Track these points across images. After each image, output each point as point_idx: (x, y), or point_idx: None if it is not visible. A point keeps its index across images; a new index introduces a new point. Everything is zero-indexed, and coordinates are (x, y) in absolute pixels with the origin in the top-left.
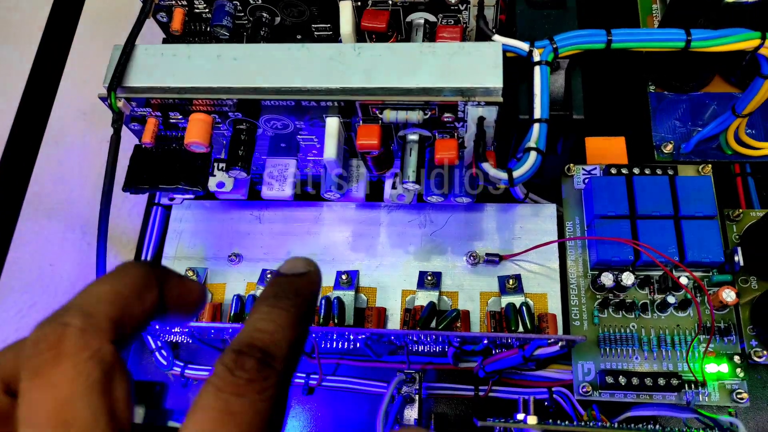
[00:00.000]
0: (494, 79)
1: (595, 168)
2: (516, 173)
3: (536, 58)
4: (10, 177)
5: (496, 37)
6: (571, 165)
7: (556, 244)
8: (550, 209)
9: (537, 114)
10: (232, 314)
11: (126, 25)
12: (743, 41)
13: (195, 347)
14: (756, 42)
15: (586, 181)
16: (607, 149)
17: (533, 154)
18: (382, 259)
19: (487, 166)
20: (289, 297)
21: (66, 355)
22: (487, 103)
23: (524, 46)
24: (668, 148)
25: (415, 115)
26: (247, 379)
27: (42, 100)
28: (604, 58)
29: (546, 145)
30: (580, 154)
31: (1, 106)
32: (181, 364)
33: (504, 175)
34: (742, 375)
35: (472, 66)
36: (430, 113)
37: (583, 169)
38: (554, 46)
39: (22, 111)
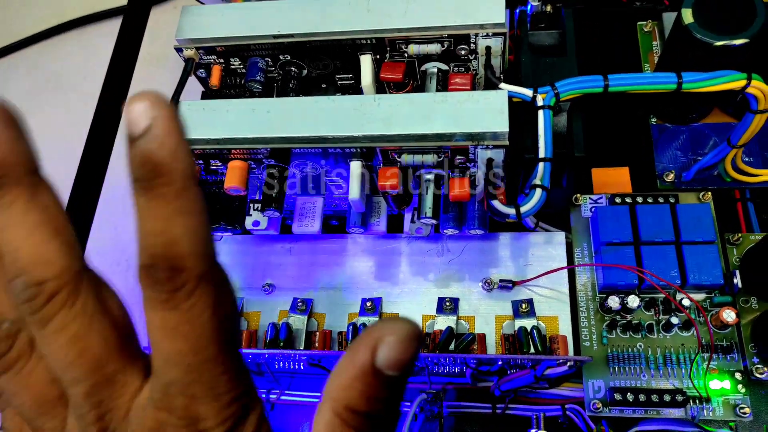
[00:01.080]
0: (501, 125)
1: (601, 197)
2: (523, 209)
3: (539, 103)
4: (75, 217)
5: (502, 84)
6: (578, 195)
7: (566, 270)
8: (560, 237)
9: (541, 153)
10: (267, 340)
11: (169, 71)
12: (731, 82)
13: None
14: (742, 82)
15: (593, 209)
16: (612, 179)
17: (538, 191)
18: (403, 287)
19: (497, 204)
20: (162, 181)
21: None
22: (495, 146)
23: (528, 93)
24: (670, 176)
25: (430, 158)
26: (167, 292)
27: (101, 154)
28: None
29: (550, 181)
30: (587, 184)
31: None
32: None
33: (512, 211)
34: (744, 391)
35: (480, 112)
36: (443, 156)
37: (589, 198)
38: (555, 91)
39: (85, 161)
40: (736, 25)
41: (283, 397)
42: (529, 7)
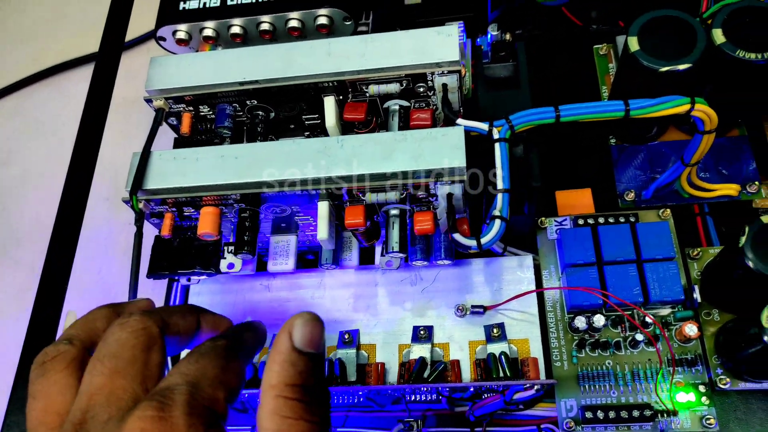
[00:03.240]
0: (458, 160)
1: (566, 219)
2: (483, 240)
3: (495, 135)
4: (56, 257)
5: (459, 120)
6: (543, 218)
7: (534, 293)
8: (528, 260)
9: (499, 185)
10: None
11: (145, 114)
12: (676, 107)
13: None
14: (687, 106)
15: (558, 232)
16: (575, 201)
17: (498, 222)
18: (379, 317)
19: (458, 236)
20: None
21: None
22: (453, 181)
23: (484, 127)
24: (630, 196)
25: (393, 195)
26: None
27: (80, 191)
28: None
29: (511, 209)
30: (552, 206)
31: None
32: None
33: (473, 243)
34: (708, 402)
35: (438, 149)
36: (406, 192)
37: (554, 221)
38: (510, 124)
39: (65, 199)
40: (679, 51)
41: None
42: (489, 36)
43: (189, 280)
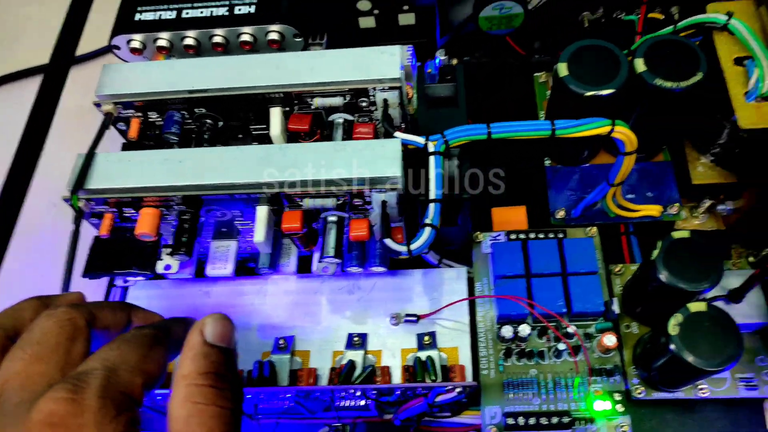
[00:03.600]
0: (393, 170)
1: (500, 234)
2: (413, 246)
3: (430, 149)
4: None
5: (397, 133)
6: (479, 233)
7: (467, 303)
8: (462, 272)
9: (431, 195)
10: None
11: (94, 123)
12: (598, 128)
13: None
14: (608, 128)
15: (491, 245)
16: (510, 217)
17: (428, 230)
18: (316, 325)
19: (389, 241)
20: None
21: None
22: (388, 189)
23: (420, 140)
24: (560, 213)
25: (330, 202)
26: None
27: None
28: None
29: (440, 220)
30: (488, 222)
31: None
32: None
33: (403, 248)
34: (622, 410)
35: (374, 159)
36: (342, 199)
37: (489, 235)
38: (445, 139)
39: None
40: (604, 78)
41: None
42: (437, 60)
43: (126, 281)
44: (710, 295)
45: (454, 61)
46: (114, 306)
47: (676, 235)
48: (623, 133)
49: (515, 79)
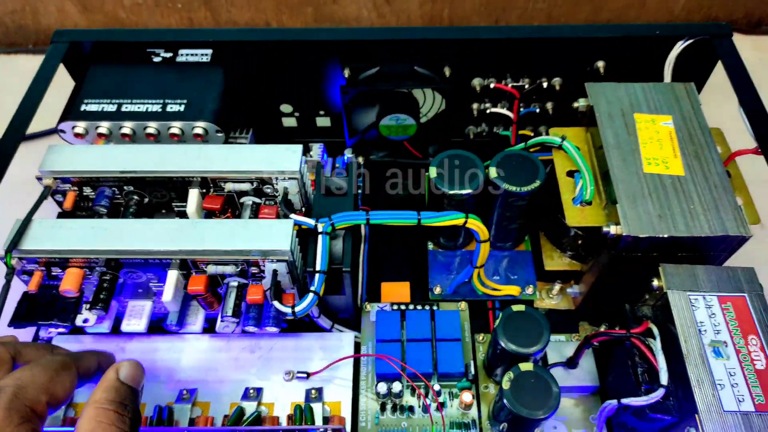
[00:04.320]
0: (284, 244)
1: (386, 305)
2: (297, 309)
3: (319, 229)
4: None
5: (292, 215)
6: (368, 303)
7: (351, 363)
8: (350, 336)
9: (317, 267)
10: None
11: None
12: (454, 219)
13: None
14: (462, 220)
15: (376, 314)
16: (396, 291)
17: (310, 296)
18: (219, 380)
19: (277, 303)
20: None
21: None
22: (278, 260)
23: (311, 222)
24: (437, 289)
25: (230, 269)
26: None
27: None
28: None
29: (323, 289)
30: (377, 294)
31: None
32: None
33: (289, 310)
34: None
35: (269, 235)
36: (241, 266)
37: (377, 306)
38: (331, 222)
39: None
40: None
41: None
42: (345, 158)
43: (48, 332)
44: (551, 361)
45: (360, 159)
46: (38, 345)
47: (515, 308)
48: (476, 224)
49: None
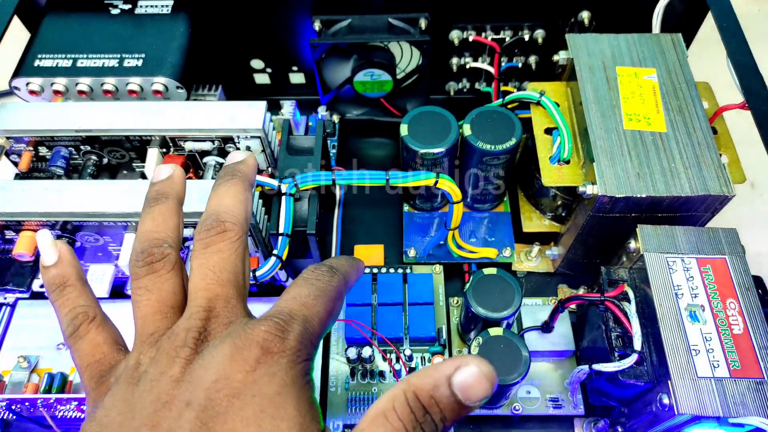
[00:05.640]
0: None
1: None
2: (258, 273)
3: (283, 190)
4: None
5: (257, 177)
6: None
7: None
8: None
9: (280, 230)
10: (42, 388)
11: None
12: (425, 180)
13: (24, 426)
14: (432, 180)
15: None
16: (370, 254)
17: (273, 259)
18: None
19: None
20: (233, 175)
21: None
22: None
23: (274, 182)
24: (412, 252)
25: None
26: (210, 235)
27: None
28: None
29: (286, 252)
30: None
31: None
32: None
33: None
34: None
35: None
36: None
37: None
38: (295, 182)
39: None
40: (437, 138)
41: None
42: (319, 115)
43: (5, 297)
44: (526, 325)
45: (336, 117)
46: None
47: (486, 271)
48: (447, 185)
49: (387, 134)
